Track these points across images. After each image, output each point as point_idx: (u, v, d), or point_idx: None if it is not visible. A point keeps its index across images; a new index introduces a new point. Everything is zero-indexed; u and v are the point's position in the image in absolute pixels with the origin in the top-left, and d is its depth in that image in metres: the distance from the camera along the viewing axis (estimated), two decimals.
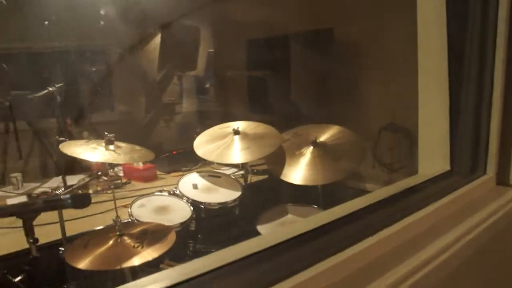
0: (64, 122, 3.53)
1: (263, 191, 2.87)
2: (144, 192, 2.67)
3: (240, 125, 2.74)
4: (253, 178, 3.03)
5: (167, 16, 3.97)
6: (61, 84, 2.91)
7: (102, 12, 3.52)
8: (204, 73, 4.34)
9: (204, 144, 2.65)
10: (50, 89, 2.87)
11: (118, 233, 1.85)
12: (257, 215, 2.55)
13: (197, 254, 2.42)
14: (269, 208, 2.64)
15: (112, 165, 2.78)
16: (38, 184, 3.10)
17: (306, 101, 3.59)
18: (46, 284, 1.66)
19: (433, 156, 1.84)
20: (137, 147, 2.23)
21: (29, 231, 1.49)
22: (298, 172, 2.55)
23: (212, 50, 4.39)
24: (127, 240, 1.86)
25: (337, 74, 3.51)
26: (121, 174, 3.25)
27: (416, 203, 1.42)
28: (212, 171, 2.72)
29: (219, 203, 2.45)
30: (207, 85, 4.35)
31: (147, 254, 1.80)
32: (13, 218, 1.59)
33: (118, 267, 1.74)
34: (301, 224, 1.29)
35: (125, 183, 3.10)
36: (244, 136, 2.68)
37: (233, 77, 4.19)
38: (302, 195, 2.68)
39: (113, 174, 3.09)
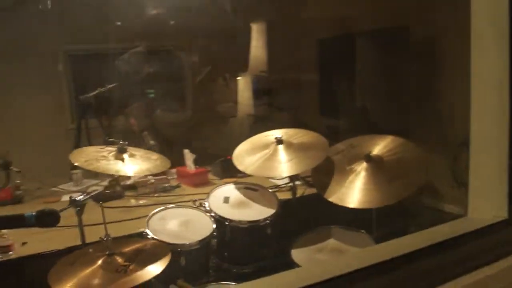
0: (127, 121, 3.57)
1: (307, 208, 2.56)
2: (191, 198, 2.55)
3: (285, 133, 2.47)
4: (306, 191, 2.75)
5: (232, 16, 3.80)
6: (113, 85, 2.91)
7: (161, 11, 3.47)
8: (268, 74, 4.09)
9: (244, 155, 2.42)
10: (101, 89, 2.87)
11: (107, 252, 1.72)
12: (294, 237, 2.27)
13: (221, 272, 2.23)
14: (310, 230, 2.34)
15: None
16: (97, 181, 3.14)
17: (376, 106, 3.16)
18: None
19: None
20: (154, 156, 2.09)
21: None
22: (346, 191, 2.21)
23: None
24: (118, 260, 1.72)
25: (412, 77, 3.02)
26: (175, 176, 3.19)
27: None
28: (249, 183, 2.48)
29: (249, 221, 2.21)
30: (271, 87, 4.09)
31: (136, 278, 1.65)
32: None
33: None
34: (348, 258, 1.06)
35: (175, 187, 3.01)
36: (289, 145, 2.40)
37: (300, 79, 3.88)
38: (354, 217, 2.33)
39: (162, 177, 3.01)
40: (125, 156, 2.02)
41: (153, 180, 2.93)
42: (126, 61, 3.41)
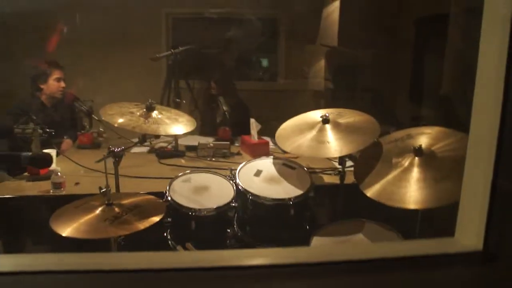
0: (208, 84, 3.62)
1: (350, 197, 2.33)
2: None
3: (331, 112, 2.27)
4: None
5: None
6: (187, 47, 2.95)
7: None
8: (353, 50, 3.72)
9: (288, 135, 2.28)
10: (173, 51, 2.93)
11: (106, 202, 1.78)
12: (319, 224, 2.11)
13: (235, 242, 2.17)
14: (340, 219, 2.15)
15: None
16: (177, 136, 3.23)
17: (461, 97, 2.68)
18: None
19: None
20: (182, 117, 2.08)
21: None
22: (385, 186, 1.96)
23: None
24: (115, 209, 1.78)
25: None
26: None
27: None
28: (288, 160, 2.34)
29: (273, 199, 2.10)
30: (355, 64, 3.72)
31: (126, 227, 1.69)
32: None
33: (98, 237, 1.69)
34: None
35: (234, 154, 3.00)
36: (335, 125, 2.21)
37: (391, 58, 3.47)
38: (398, 215, 2.07)
39: (224, 142, 3.02)
40: (153, 114, 2.04)
41: (212, 144, 2.95)
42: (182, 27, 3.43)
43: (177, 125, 2.09)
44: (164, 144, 3.15)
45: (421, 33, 3.23)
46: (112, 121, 1.97)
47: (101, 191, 1.78)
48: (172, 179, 2.19)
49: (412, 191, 1.90)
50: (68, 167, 2.69)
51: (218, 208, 2.07)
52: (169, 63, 3.42)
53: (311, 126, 2.25)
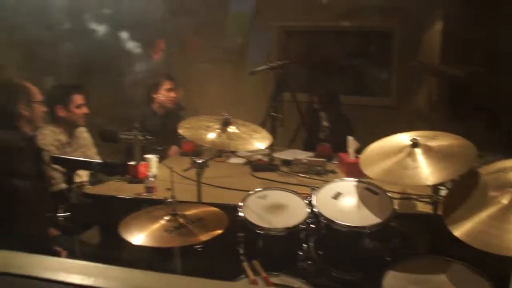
0: (311, 98, 3.54)
1: (436, 229, 2.07)
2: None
3: (423, 135, 2.05)
4: None
5: None
6: (284, 62, 2.92)
7: None
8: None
9: (373, 159, 2.12)
10: (269, 65, 2.93)
11: (171, 212, 1.83)
12: (398, 258, 1.92)
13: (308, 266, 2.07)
14: (423, 255, 1.93)
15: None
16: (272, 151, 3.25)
17: None
18: None
19: None
20: (258, 133, 2.06)
21: (69, 180, 1.73)
22: (478, 226, 1.72)
23: None
24: (179, 219, 1.82)
25: None
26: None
27: None
28: (373, 184, 2.17)
29: (348, 226, 1.97)
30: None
31: (188, 238, 1.74)
32: None
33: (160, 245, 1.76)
34: None
35: (328, 172, 2.88)
36: (426, 150, 2.00)
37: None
38: (493, 258, 1.80)
39: (318, 159, 2.92)
40: (228, 129, 2.05)
41: (306, 160, 2.88)
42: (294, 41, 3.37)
43: (250, 141, 2.08)
44: (259, 156, 3.16)
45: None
46: (185, 134, 2.03)
47: (166, 201, 1.84)
48: (248, 194, 2.18)
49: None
50: (166, 173, 2.85)
51: (288, 229, 2.00)
52: (276, 77, 3.44)
53: (398, 149, 2.06)
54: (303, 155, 3.11)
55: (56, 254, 2.13)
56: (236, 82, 3.89)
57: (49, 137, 2.73)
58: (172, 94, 3.45)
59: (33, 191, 2.21)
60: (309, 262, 2.05)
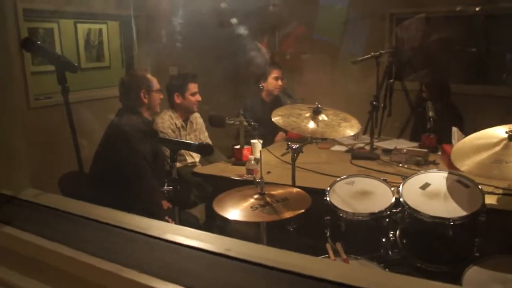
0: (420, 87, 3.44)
1: None
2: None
3: None
4: None
5: None
6: (389, 50, 2.89)
7: None
8: None
9: (466, 152, 2.07)
10: (373, 54, 2.91)
11: (259, 191, 2.01)
12: (483, 254, 1.87)
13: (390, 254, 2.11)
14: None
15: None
16: (372, 140, 3.25)
17: None
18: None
19: None
20: (347, 122, 2.13)
21: (171, 159, 2.00)
22: None
23: None
24: (266, 198, 2.00)
25: None
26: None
27: None
28: (465, 176, 2.10)
29: (432, 216, 1.97)
30: None
31: (275, 215, 1.91)
32: None
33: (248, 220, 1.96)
34: None
35: (429, 162, 2.82)
36: None
37: None
38: None
39: (419, 149, 2.86)
40: (319, 117, 2.16)
41: (405, 150, 2.85)
42: (406, 27, 3.24)
43: (338, 129, 2.16)
44: (362, 145, 3.20)
45: None
46: (277, 121, 2.18)
47: (256, 181, 2.02)
48: (337, 180, 2.27)
49: None
50: (269, 156, 3.04)
51: (371, 214, 2.06)
52: (386, 65, 3.42)
53: (494, 142, 1.98)
54: (406, 145, 3.07)
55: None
56: (335, 72, 3.93)
57: (167, 121, 3.10)
58: (280, 83, 3.63)
59: (150, 169, 2.57)
60: (392, 249, 2.10)
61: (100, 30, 4.39)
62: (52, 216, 1.36)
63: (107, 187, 2.44)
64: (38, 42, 1.76)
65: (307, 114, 2.25)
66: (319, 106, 2.21)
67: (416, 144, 3.16)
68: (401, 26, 3.64)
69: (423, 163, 2.82)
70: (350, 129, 2.17)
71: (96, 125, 2.85)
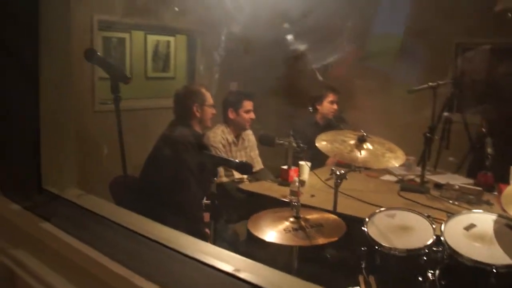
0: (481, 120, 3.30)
1: None
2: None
3: None
4: None
5: None
6: (448, 81, 2.79)
7: None
8: None
9: None
10: (430, 84, 2.82)
11: (294, 214, 2.01)
12: None
13: None
14: None
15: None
16: (424, 172, 3.14)
17: None
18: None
19: None
20: (391, 152, 2.09)
21: (212, 173, 2.05)
22: None
23: None
24: (301, 222, 1.99)
25: None
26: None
27: None
28: None
29: (473, 260, 1.87)
30: None
31: (307, 240, 1.91)
32: None
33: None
34: None
35: (482, 202, 2.68)
36: None
37: None
38: None
39: (473, 187, 2.73)
40: (364, 145, 2.13)
41: (457, 187, 2.73)
42: (470, 58, 3.10)
43: (382, 159, 2.11)
44: (412, 177, 3.10)
45: None
46: (320, 145, 2.17)
47: (292, 204, 2.03)
48: (377, 211, 2.22)
49: None
50: (315, 180, 3.03)
51: (408, 251, 1.99)
52: (447, 96, 3.31)
53: None
54: (460, 181, 2.94)
55: (205, 236, 2.50)
56: (388, 99, 3.84)
57: (219, 136, 3.18)
58: (334, 107, 3.62)
59: (195, 181, 2.64)
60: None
61: (168, 42, 4.59)
62: (89, 218, 1.44)
63: (153, 194, 2.54)
64: (98, 53, 1.88)
65: (352, 142, 2.22)
66: (365, 134, 2.18)
67: (471, 181, 3.02)
68: (465, 57, 3.51)
69: (475, 202, 2.69)
70: (394, 160, 2.12)
71: (159, 132, 2.96)
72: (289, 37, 3.45)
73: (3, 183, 1.65)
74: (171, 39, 4.61)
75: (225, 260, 1.10)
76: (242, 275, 1.03)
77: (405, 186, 2.96)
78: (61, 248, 1.27)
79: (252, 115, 3.25)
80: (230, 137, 3.25)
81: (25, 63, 1.65)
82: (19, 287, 1.31)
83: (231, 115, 3.24)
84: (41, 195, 1.57)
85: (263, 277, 1.03)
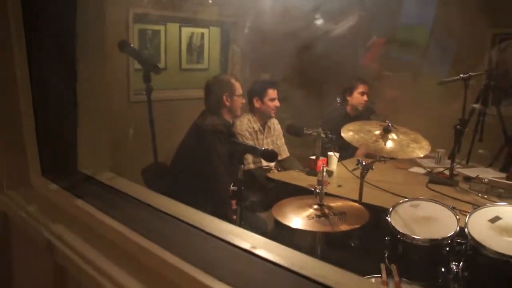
0: None
1: None
2: None
3: None
4: None
5: None
6: (479, 73, 2.74)
7: None
8: None
9: None
10: (462, 76, 2.78)
11: (318, 202, 2.06)
12: None
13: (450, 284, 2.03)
14: None
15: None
16: (453, 165, 3.10)
17: None
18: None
19: None
20: (416, 143, 2.10)
21: (239, 160, 2.12)
22: None
23: None
24: (324, 209, 2.04)
25: None
26: None
27: None
28: None
29: (497, 252, 1.87)
30: None
31: (330, 227, 1.96)
32: None
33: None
34: None
35: None
36: None
37: None
38: None
39: (504, 181, 2.69)
40: (389, 136, 2.15)
41: (486, 180, 2.70)
42: (502, 50, 3.02)
43: (407, 149, 2.12)
44: (441, 169, 3.08)
45: None
46: (345, 135, 2.20)
47: (315, 192, 2.07)
48: (401, 201, 2.23)
49: None
50: (343, 170, 3.06)
51: (431, 240, 2.00)
52: (481, 88, 3.25)
53: None
54: (491, 175, 2.90)
55: (232, 222, 2.57)
56: (418, 91, 3.80)
57: (246, 124, 3.24)
58: (365, 98, 3.62)
59: (225, 168, 2.72)
60: (452, 281, 2.02)
61: (202, 34, 4.68)
62: (120, 198, 1.54)
63: (184, 181, 2.64)
64: (132, 45, 1.98)
65: (377, 132, 2.24)
66: (390, 124, 2.19)
67: (503, 175, 2.97)
68: (498, 48, 3.43)
69: (505, 196, 2.65)
70: (419, 150, 2.13)
71: (192, 121, 3.05)
72: (319, 21, 3.47)
73: (44, 165, 1.77)
74: (205, 31, 4.69)
75: (243, 238, 1.16)
76: (258, 251, 1.09)
77: (434, 178, 2.95)
78: (93, 223, 1.38)
79: (276, 103, 3.30)
80: (256, 126, 3.31)
81: (63, 53, 1.76)
82: (56, 256, 1.43)
83: (257, 103, 3.30)
84: (77, 177, 1.69)
85: (278, 254, 1.09)
